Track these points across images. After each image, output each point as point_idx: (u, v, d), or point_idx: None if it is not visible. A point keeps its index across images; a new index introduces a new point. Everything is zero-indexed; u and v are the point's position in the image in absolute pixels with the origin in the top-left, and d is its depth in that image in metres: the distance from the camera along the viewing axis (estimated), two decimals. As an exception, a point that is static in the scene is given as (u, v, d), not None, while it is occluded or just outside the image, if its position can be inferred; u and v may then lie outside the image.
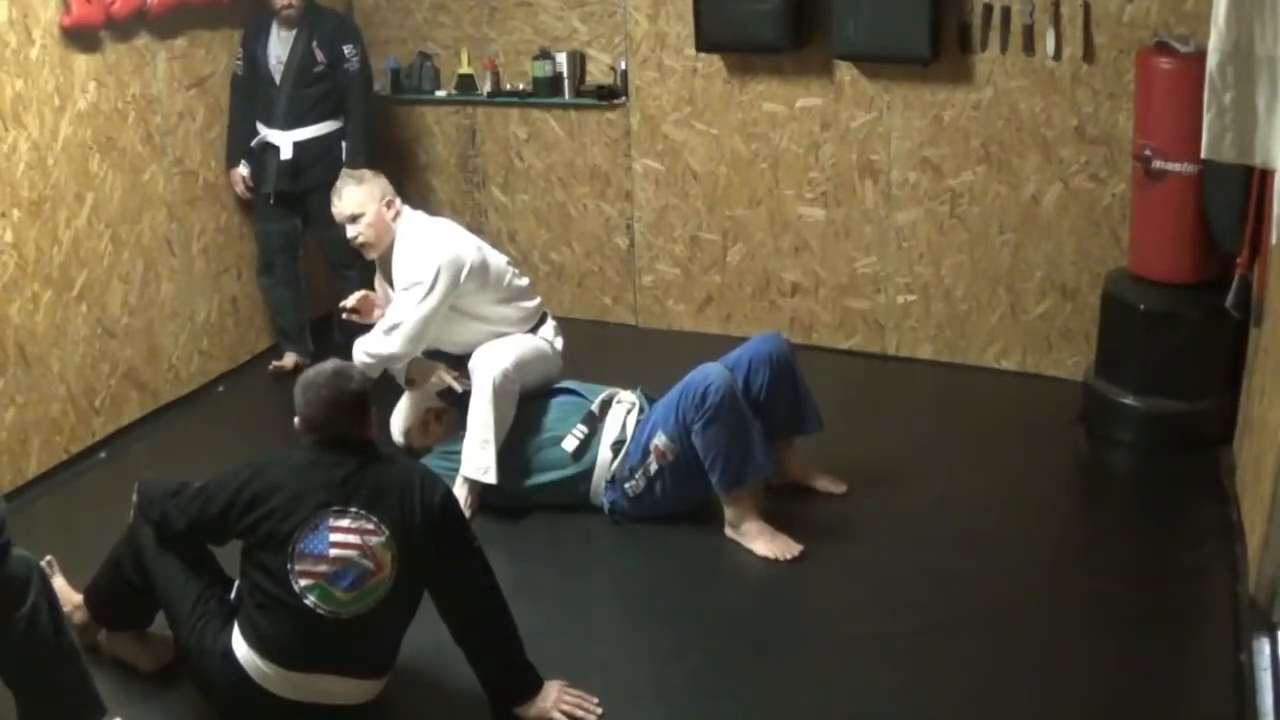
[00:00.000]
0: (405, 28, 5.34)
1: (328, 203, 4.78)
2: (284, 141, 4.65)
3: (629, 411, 3.77)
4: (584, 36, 5.06)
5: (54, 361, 4.05)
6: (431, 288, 3.65)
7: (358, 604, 2.68)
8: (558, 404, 3.84)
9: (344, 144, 4.75)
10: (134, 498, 2.96)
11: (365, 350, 3.72)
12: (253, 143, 4.71)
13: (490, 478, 3.68)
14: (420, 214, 3.88)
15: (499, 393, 3.69)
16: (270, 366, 4.88)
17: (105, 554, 3.01)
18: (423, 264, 3.67)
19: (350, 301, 3.85)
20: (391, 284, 3.81)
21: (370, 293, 3.91)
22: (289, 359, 4.87)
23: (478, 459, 3.70)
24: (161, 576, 2.85)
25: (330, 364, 2.88)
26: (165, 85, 4.46)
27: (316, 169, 4.68)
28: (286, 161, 4.66)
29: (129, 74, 4.28)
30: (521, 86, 5.17)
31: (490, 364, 3.71)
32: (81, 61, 4.07)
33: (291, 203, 4.77)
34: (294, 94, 4.64)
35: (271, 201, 4.73)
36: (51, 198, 4.00)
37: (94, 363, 4.23)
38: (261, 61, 4.64)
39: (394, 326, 3.67)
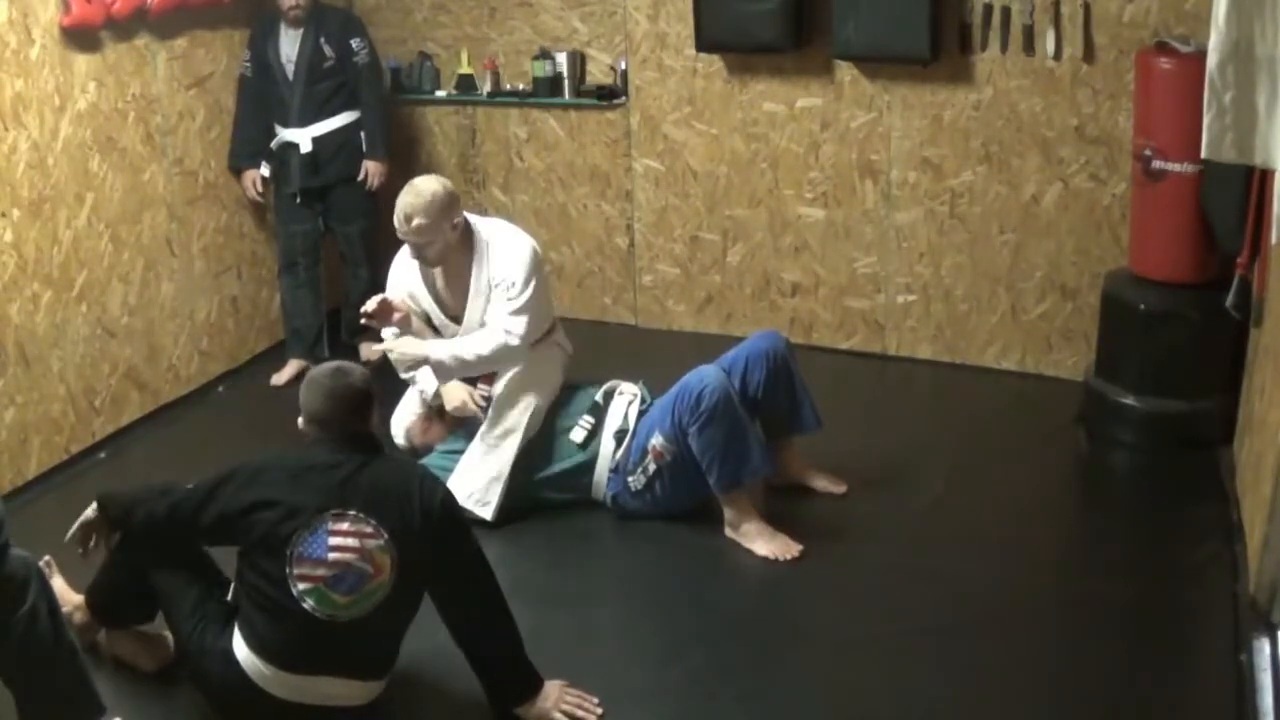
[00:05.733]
0: (405, 28, 5.34)
1: (350, 197, 4.84)
2: (302, 138, 4.70)
3: (630, 402, 3.79)
4: (584, 36, 5.06)
5: (54, 361, 4.05)
6: (527, 283, 3.64)
7: (356, 607, 2.67)
8: (561, 399, 3.85)
9: (362, 135, 4.81)
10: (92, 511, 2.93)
11: (473, 352, 3.65)
12: (272, 144, 4.76)
13: (488, 514, 3.66)
14: (480, 220, 3.79)
15: (528, 429, 3.71)
16: (271, 381, 4.80)
17: (105, 554, 3.00)
18: (513, 267, 3.65)
19: (370, 306, 3.67)
20: (441, 301, 3.79)
21: (389, 298, 3.75)
22: (291, 368, 4.82)
23: (482, 492, 3.68)
24: (161, 577, 2.86)
25: (332, 363, 2.89)
26: (165, 85, 4.46)
27: (337, 162, 4.78)
28: (307, 155, 4.70)
29: (129, 74, 4.28)
30: (521, 86, 5.17)
31: (526, 400, 3.70)
32: (81, 61, 4.07)
33: (315, 200, 4.81)
34: (307, 91, 4.68)
35: (298, 201, 4.77)
36: (51, 198, 3.99)
37: (94, 363, 4.23)
38: (273, 62, 4.67)
39: (508, 330, 3.63)
